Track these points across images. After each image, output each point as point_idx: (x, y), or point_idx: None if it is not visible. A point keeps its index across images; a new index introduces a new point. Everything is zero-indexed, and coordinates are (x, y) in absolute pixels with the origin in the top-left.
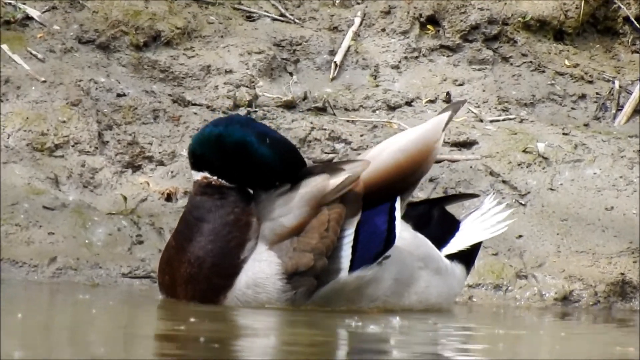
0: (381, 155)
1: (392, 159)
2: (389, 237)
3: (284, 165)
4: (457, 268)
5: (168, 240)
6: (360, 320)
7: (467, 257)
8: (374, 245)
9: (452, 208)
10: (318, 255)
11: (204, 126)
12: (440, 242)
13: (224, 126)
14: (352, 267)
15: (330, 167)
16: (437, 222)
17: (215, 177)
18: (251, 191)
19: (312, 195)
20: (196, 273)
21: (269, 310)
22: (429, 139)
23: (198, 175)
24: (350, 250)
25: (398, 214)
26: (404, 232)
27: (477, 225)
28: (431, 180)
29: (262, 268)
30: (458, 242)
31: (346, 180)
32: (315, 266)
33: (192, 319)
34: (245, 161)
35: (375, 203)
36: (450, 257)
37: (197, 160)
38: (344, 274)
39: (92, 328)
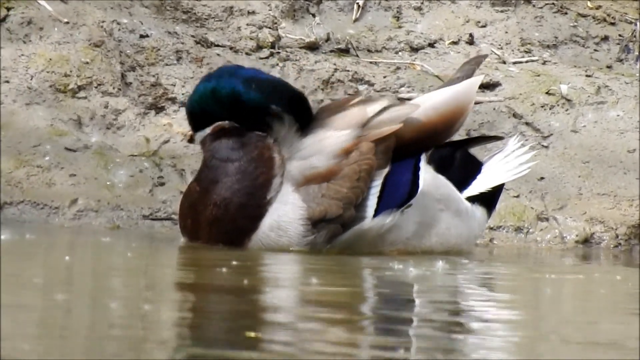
0: (416, 111)
1: (425, 117)
2: (413, 189)
3: (279, 104)
4: (478, 210)
5: (188, 187)
6: (401, 263)
7: (488, 200)
8: (398, 196)
9: (476, 150)
10: (347, 204)
11: (196, 86)
12: (461, 184)
13: (215, 79)
14: (375, 215)
15: (363, 99)
16: (459, 164)
17: (227, 122)
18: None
19: (353, 123)
20: (222, 214)
21: (304, 255)
22: (462, 101)
23: (208, 129)
24: (375, 200)
25: (423, 168)
26: (425, 174)
27: (499, 167)
28: None
29: (286, 211)
30: (479, 184)
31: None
32: (344, 215)
33: (223, 269)
34: (241, 109)
35: (402, 156)
36: (472, 199)
37: (201, 117)
38: (367, 221)
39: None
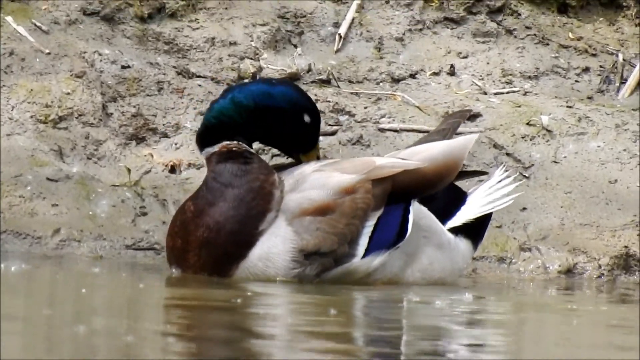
0: (411, 160)
1: (421, 167)
2: (401, 232)
3: (304, 99)
4: (462, 243)
5: (183, 205)
6: (418, 296)
7: (473, 232)
8: (388, 238)
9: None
10: (342, 240)
11: (210, 105)
12: (445, 216)
13: (232, 92)
14: (365, 255)
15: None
16: (443, 195)
17: (235, 142)
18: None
19: (359, 169)
20: (213, 238)
21: (316, 286)
22: (456, 156)
23: (215, 148)
24: (367, 240)
25: (412, 212)
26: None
27: (483, 198)
28: None
29: (276, 243)
30: (463, 216)
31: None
32: (337, 250)
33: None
34: (265, 110)
35: (395, 201)
36: (455, 231)
37: (212, 133)
38: (356, 260)
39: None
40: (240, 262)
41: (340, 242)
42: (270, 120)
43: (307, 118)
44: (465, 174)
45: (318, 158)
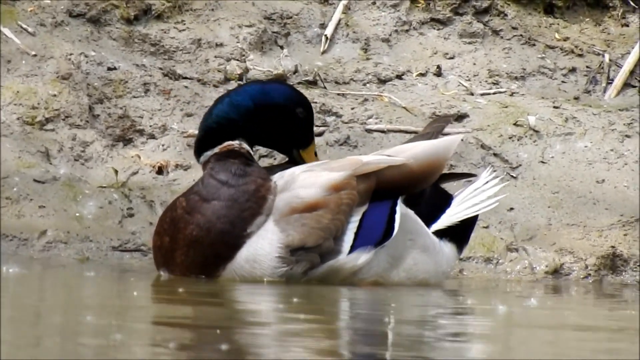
0: (397, 157)
1: (406, 164)
2: (388, 230)
3: (296, 94)
4: (447, 246)
5: (174, 201)
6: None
7: (458, 234)
8: (374, 235)
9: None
10: (327, 234)
11: (207, 112)
12: (430, 218)
13: (229, 97)
14: (351, 251)
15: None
16: (428, 198)
17: (237, 142)
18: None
19: (347, 167)
20: (203, 237)
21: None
22: (441, 155)
23: (215, 149)
24: (352, 236)
25: (399, 211)
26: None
27: (468, 200)
28: None
29: (263, 245)
30: (447, 218)
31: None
32: (322, 245)
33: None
34: (264, 109)
35: (380, 198)
36: (440, 233)
37: (212, 137)
38: (342, 256)
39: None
40: (227, 264)
41: (326, 237)
42: (269, 117)
43: (301, 112)
44: (453, 176)
45: (316, 154)
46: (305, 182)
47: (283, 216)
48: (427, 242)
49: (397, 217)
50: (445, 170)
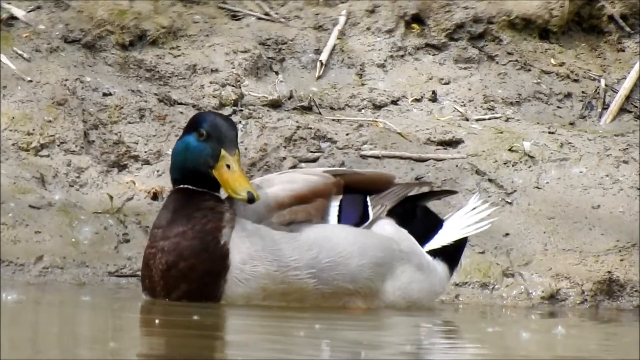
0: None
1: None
2: (364, 216)
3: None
4: (440, 266)
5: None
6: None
7: (450, 257)
8: (353, 217)
9: (438, 207)
10: (315, 211)
11: None
12: (422, 239)
13: None
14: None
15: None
16: (420, 219)
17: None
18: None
19: (318, 172)
20: (189, 267)
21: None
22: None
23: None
24: (336, 215)
25: (369, 202)
26: (387, 225)
27: (459, 223)
28: (417, 179)
29: (255, 241)
30: (440, 239)
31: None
32: (313, 221)
33: None
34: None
35: (352, 192)
36: (432, 254)
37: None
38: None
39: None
40: (226, 275)
41: (314, 213)
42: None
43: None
44: (436, 193)
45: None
46: (285, 178)
47: (263, 219)
48: (422, 261)
49: (370, 209)
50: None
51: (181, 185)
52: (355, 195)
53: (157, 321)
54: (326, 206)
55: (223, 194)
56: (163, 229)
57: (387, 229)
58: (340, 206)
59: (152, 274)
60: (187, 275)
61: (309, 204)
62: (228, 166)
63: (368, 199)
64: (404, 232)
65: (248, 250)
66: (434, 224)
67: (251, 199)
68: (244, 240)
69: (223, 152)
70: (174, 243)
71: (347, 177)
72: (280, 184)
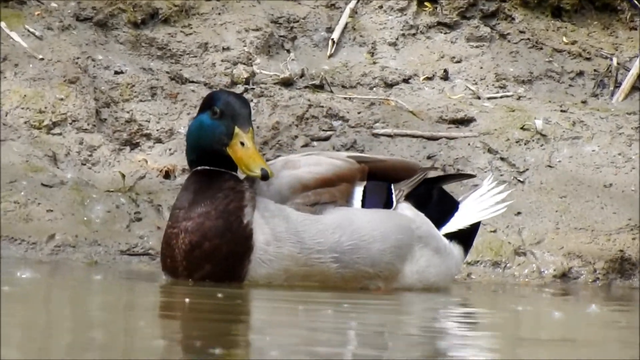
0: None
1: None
2: (388, 201)
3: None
4: (455, 249)
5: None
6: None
7: (465, 238)
8: (377, 203)
9: (451, 186)
10: (339, 194)
11: None
12: (439, 222)
13: None
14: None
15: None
16: (436, 202)
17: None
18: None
19: (342, 157)
20: (214, 249)
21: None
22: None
23: None
24: (360, 199)
25: (393, 190)
26: (406, 209)
27: (474, 206)
28: (429, 157)
29: (278, 222)
30: (456, 223)
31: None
32: (337, 203)
33: None
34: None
35: (376, 179)
36: (449, 237)
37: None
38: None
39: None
40: (250, 255)
41: (339, 196)
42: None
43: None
44: (454, 177)
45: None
46: (311, 161)
47: (286, 201)
48: (439, 244)
49: (394, 197)
50: (450, 169)
51: (199, 167)
52: (380, 182)
53: (187, 300)
54: (351, 190)
55: (240, 174)
56: (185, 210)
57: (407, 212)
58: (364, 191)
59: (174, 254)
60: (211, 255)
61: (333, 187)
62: (242, 143)
63: (392, 186)
64: (422, 215)
65: (272, 231)
66: (450, 206)
67: (265, 176)
68: (268, 220)
69: (237, 129)
70: (198, 223)
71: (371, 164)
72: (305, 166)
